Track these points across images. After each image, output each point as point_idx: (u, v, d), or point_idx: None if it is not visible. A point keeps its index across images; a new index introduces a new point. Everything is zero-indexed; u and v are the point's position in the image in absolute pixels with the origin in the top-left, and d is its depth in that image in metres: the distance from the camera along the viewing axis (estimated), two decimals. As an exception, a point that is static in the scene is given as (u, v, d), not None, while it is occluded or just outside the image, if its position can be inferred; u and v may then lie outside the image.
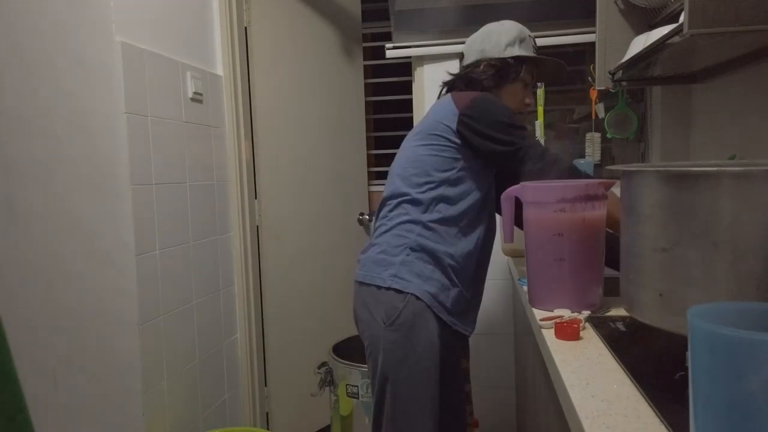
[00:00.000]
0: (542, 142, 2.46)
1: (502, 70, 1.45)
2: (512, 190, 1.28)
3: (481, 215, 1.43)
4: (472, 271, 1.42)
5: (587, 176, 1.37)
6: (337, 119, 2.61)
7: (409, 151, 1.44)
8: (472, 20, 2.46)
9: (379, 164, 2.88)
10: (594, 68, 1.85)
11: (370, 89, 2.94)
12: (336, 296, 2.58)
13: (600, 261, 1.20)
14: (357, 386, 1.90)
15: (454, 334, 1.39)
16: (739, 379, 0.49)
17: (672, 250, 0.84)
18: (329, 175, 2.56)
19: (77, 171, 1.36)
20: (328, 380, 2.00)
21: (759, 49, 1.32)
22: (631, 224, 0.95)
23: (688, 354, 0.55)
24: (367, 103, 2.86)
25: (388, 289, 1.32)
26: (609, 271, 1.24)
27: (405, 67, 2.61)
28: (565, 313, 1.14)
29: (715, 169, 0.81)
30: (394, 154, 2.82)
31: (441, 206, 1.36)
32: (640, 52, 1.40)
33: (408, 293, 1.31)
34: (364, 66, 2.78)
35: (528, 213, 1.24)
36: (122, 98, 1.49)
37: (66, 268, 1.33)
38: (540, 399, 1.52)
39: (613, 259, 1.37)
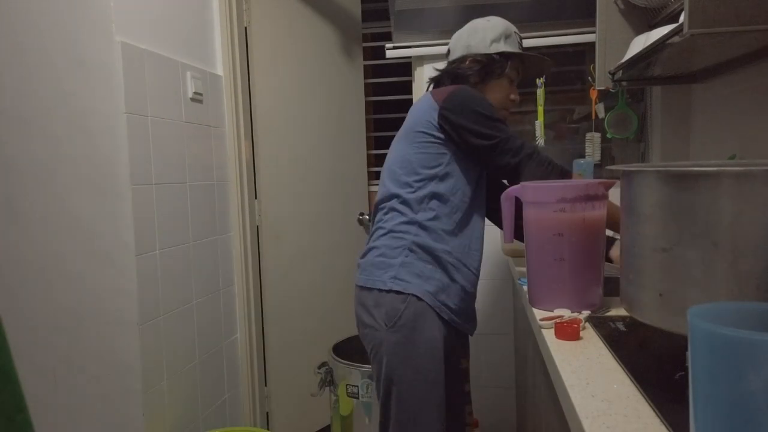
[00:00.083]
0: (542, 142, 2.46)
1: (487, 66, 1.44)
2: (512, 190, 1.28)
3: (474, 208, 1.43)
4: (471, 266, 1.42)
5: (566, 172, 1.36)
6: (337, 119, 2.61)
7: (396, 152, 1.44)
8: (471, 20, 2.46)
9: (379, 164, 2.88)
10: (594, 68, 1.85)
11: (370, 89, 2.94)
12: (336, 296, 2.58)
13: (600, 261, 1.20)
14: (357, 386, 1.90)
15: (455, 333, 1.39)
16: (739, 379, 0.49)
17: (672, 250, 0.84)
18: (329, 175, 2.56)
19: (77, 171, 1.36)
20: (328, 380, 2.00)
21: (759, 49, 1.32)
22: (631, 224, 0.95)
23: (688, 354, 0.55)
24: (367, 103, 2.86)
25: (389, 291, 1.31)
26: (609, 271, 1.24)
27: (405, 67, 2.61)
28: (565, 313, 1.14)
29: (715, 169, 0.81)
30: (394, 154, 2.82)
31: (433, 203, 1.36)
32: (640, 52, 1.40)
33: (409, 294, 1.31)
34: (364, 66, 2.78)
35: (528, 213, 1.24)
36: (122, 98, 1.49)
37: (66, 268, 1.33)
38: (540, 399, 1.52)
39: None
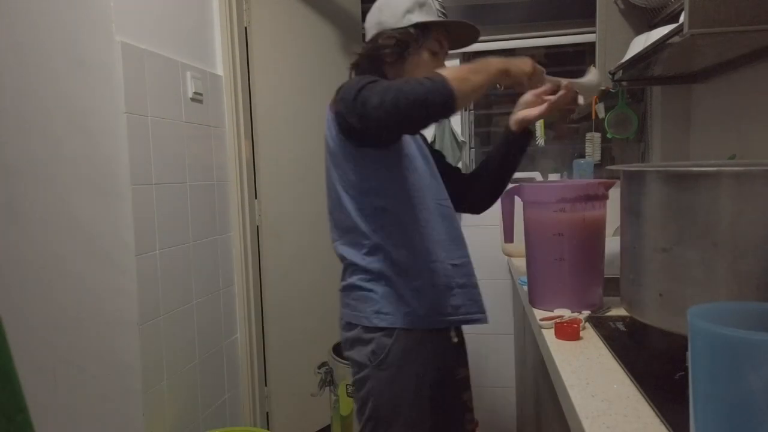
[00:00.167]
0: (542, 142, 2.47)
1: (402, 41, 1.28)
2: (512, 190, 1.28)
3: (413, 199, 1.27)
4: (442, 260, 1.27)
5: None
6: (337, 119, 2.60)
7: (329, 184, 1.30)
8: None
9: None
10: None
11: (370, 89, 2.94)
12: (336, 296, 2.57)
13: (600, 261, 1.20)
14: (357, 386, 1.90)
15: (447, 345, 1.29)
16: (739, 378, 0.49)
17: (672, 250, 0.84)
18: (329, 175, 2.56)
19: (77, 171, 1.36)
20: (328, 380, 2.00)
21: (759, 49, 1.32)
22: (631, 224, 0.95)
23: (688, 354, 0.55)
24: (367, 103, 2.85)
25: (375, 329, 1.22)
26: (609, 271, 1.23)
27: (405, 67, 2.61)
28: (565, 313, 1.14)
29: (715, 169, 0.81)
30: (394, 154, 2.81)
31: (381, 220, 1.24)
32: (640, 52, 1.40)
33: (396, 329, 1.21)
34: (364, 66, 2.78)
35: (528, 213, 1.24)
36: (122, 98, 1.49)
37: (66, 268, 1.33)
38: (540, 399, 1.52)
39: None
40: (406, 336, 1.21)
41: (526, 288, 1.34)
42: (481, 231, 2.52)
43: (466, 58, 2.39)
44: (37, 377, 1.25)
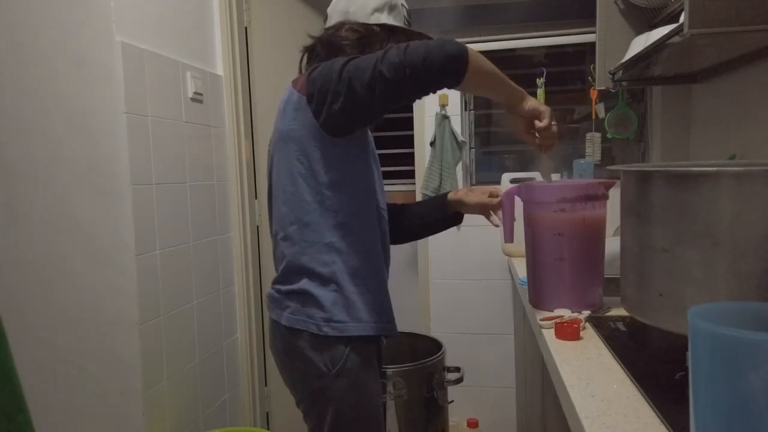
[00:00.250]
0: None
1: (366, 38, 1.23)
2: (512, 190, 1.28)
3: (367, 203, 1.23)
4: (377, 251, 1.24)
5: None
6: (337, 119, 2.60)
7: (283, 174, 1.20)
8: (472, 20, 2.46)
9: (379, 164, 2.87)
10: (594, 68, 1.85)
11: (370, 89, 2.94)
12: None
13: (600, 261, 1.20)
14: (357, 386, 1.90)
15: (379, 351, 1.28)
16: (739, 379, 0.49)
17: (672, 250, 0.84)
18: (329, 175, 2.56)
19: (77, 171, 1.36)
20: (328, 380, 1.99)
21: (759, 49, 1.32)
22: (631, 224, 0.95)
23: (689, 354, 0.55)
24: (367, 103, 2.85)
25: (326, 337, 1.16)
26: (609, 271, 1.23)
27: (405, 67, 2.61)
28: (566, 313, 1.14)
29: (715, 169, 0.81)
30: (394, 153, 2.82)
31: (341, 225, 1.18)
32: (640, 52, 1.40)
33: (349, 336, 1.17)
34: (364, 66, 2.78)
35: (528, 213, 1.24)
36: (122, 98, 1.49)
37: (66, 268, 1.33)
38: (540, 399, 1.52)
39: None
40: (357, 342, 1.17)
41: (526, 288, 1.34)
42: (481, 231, 2.52)
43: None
44: (37, 377, 1.25)
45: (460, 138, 2.49)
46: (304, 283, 1.18)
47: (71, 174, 1.35)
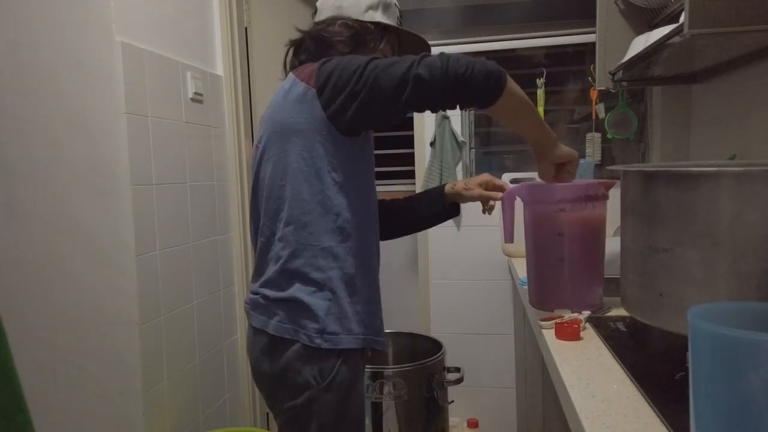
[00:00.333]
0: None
1: (359, 35, 1.20)
2: (513, 190, 1.28)
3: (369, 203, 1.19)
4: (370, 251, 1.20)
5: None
6: (337, 119, 2.60)
7: (282, 168, 1.13)
8: (472, 20, 2.46)
9: (379, 164, 2.88)
10: (594, 68, 1.85)
11: (370, 89, 2.93)
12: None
13: (600, 261, 1.20)
14: (357, 386, 1.90)
15: (365, 363, 1.22)
16: (739, 379, 0.49)
17: (672, 250, 0.84)
18: (329, 175, 2.56)
19: (77, 171, 1.36)
20: (328, 380, 1.99)
21: (759, 49, 1.32)
22: (631, 224, 0.95)
23: (689, 354, 0.55)
24: (367, 103, 2.85)
25: (318, 348, 1.10)
26: (609, 271, 1.23)
27: (405, 67, 2.61)
28: (566, 314, 1.14)
29: (715, 169, 0.81)
30: (394, 154, 2.82)
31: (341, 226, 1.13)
32: (641, 52, 1.40)
33: (342, 349, 1.11)
34: (364, 66, 2.78)
35: (528, 213, 1.24)
36: (122, 98, 1.49)
37: (66, 268, 1.33)
38: (540, 399, 1.52)
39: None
40: (348, 354, 1.12)
41: (526, 288, 1.34)
42: (481, 231, 2.52)
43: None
44: (37, 377, 1.25)
45: (460, 138, 2.49)
46: (296, 290, 1.11)
47: (71, 174, 1.35)
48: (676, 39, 1.16)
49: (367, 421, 1.91)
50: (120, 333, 1.48)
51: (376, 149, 3.07)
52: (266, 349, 1.15)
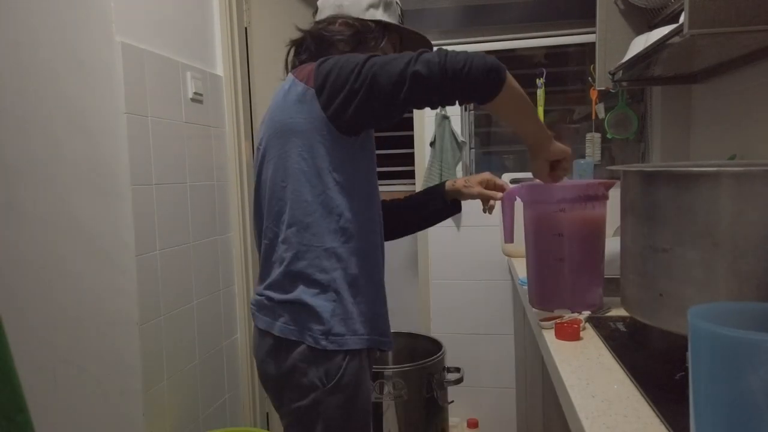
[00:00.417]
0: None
1: (360, 34, 1.19)
2: (512, 190, 1.28)
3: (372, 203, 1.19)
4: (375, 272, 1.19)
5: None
6: (337, 119, 2.60)
7: (282, 169, 1.13)
8: (472, 20, 2.46)
9: (379, 164, 2.87)
10: (594, 68, 1.85)
11: (370, 89, 2.93)
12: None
13: (600, 261, 1.20)
14: (357, 386, 1.90)
15: (372, 363, 1.22)
16: (739, 379, 0.49)
17: (672, 250, 0.84)
18: (329, 175, 2.56)
19: (77, 171, 1.36)
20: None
21: (759, 49, 1.32)
22: (631, 224, 0.95)
23: (689, 354, 0.55)
24: (367, 103, 2.85)
25: (323, 350, 1.09)
26: (609, 271, 1.23)
27: (405, 67, 2.61)
28: (565, 314, 1.14)
29: (715, 169, 0.81)
30: (394, 154, 2.82)
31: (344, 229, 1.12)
32: (640, 52, 1.40)
33: (348, 350, 1.11)
34: (364, 66, 2.77)
35: (528, 213, 1.24)
36: (122, 98, 1.49)
37: (66, 268, 1.33)
38: (540, 399, 1.52)
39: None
40: (354, 356, 1.12)
41: (526, 288, 1.34)
42: (481, 231, 2.53)
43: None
44: (37, 377, 1.25)
45: (460, 138, 2.49)
46: (300, 292, 1.11)
47: (71, 174, 1.35)
48: (676, 39, 1.16)
49: (367, 421, 1.91)
50: (120, 333, 1.48)
51: (377, 148, 3.07)
52: (272, 351, 1.15)
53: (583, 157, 2.29)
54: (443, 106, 1.06)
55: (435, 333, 2.50)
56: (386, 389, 1.97)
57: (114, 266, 1.47)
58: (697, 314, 0.54)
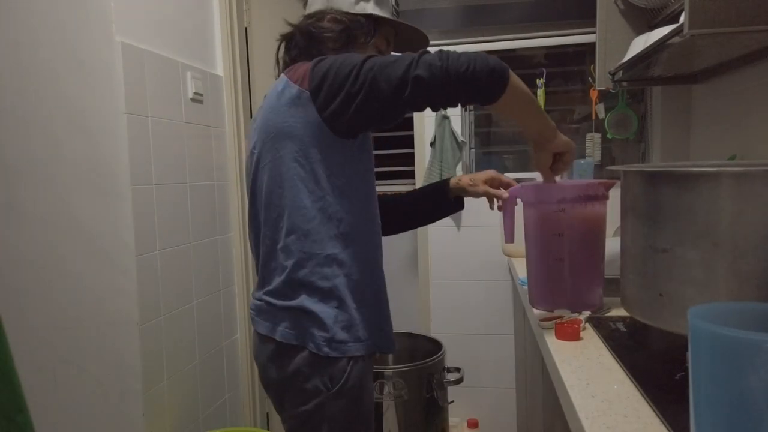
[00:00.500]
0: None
1: (349, 30, 1.14)
2: (513, 191, 1.28)
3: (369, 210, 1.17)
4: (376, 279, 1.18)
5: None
6: (337, 119, 2.60)
7: (278, 174, 1.10)
8: (472, 20, 2.46)
9: (379, 164, 2.88)
10: (594, 68, 1.85)
11: (370, 89, 2.93)
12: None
13: (600, 261, 1.20)
14: (357, 386, 1.90)
15: (373, 366, 1.21)
16: (739, 379, 0.49)
17: (672, 250, 0.84)
18: (329, 175, 2.56)
19: (77, 171, 1.36)
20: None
21: (759, 49, 1.32)
22: (631, 224, 0.95)
23: (689, 354, 0.55)
24: (367, 103, 2.85)
25: (326, 357, 1.08)
26: (609, 271, 1.24)
27: (405, 68, 2.61)
28: (565, 314, 1.14)
29: (715, 169, 0.81)
30: (394, 154, 2.82)
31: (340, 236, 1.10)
32: (640, 52, 1.40)
33: (351, 357, 1.10)
34: (364, 66, 2.77)
35: (528, 213, 1.24)
36: (122, 98, 1.49)
37: (66, 268, 1.33)
38: (540, 399, 1.52)
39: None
40: (358, 360, 1.11)
41: (526, 288, 1.34)
42: (481, 231, 2.53)
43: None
44: (37, 377, 1.25)
45: (460, 138, 2.49)
46: (303, 300, 1.09)
47: (71, 174, 1.35)
48: (676, 39, 1.16)
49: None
50: (120, 333, 1.48)
51: (376, 149, 3.06)
52: (273, 356, 1.14)
53: (583, 157, 2.29)
54: (444, 108, 1.04)
55: (435, 333, 2.51)
56: (386, 389, 1.97)
57: (114, 266, 1.47)
58: (697, 314, 0.54)
